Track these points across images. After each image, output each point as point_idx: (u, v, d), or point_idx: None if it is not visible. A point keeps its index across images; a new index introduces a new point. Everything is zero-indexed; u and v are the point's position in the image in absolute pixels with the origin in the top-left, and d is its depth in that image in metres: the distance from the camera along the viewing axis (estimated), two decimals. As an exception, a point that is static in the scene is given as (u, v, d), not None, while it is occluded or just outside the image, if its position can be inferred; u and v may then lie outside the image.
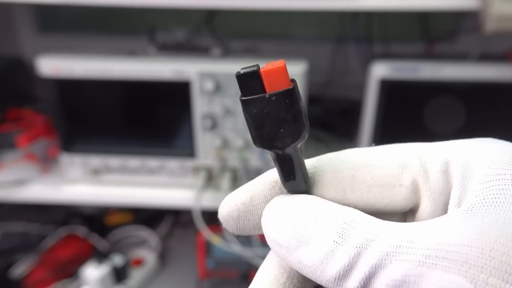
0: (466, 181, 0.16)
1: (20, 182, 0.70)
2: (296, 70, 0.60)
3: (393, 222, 0.15)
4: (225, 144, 0.65)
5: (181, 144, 0.68)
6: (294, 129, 0.16)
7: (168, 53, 0.70)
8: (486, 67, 0.61)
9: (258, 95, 0.15)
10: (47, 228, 0.96)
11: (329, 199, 0.17)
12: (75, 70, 0.62)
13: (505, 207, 0.14)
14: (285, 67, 0.15)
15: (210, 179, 0.69)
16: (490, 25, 0.51)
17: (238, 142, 0.64)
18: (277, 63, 0.15)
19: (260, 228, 0.18)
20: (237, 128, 0.64)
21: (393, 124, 0.65)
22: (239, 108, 0.63)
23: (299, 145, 0.17)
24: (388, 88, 0.62)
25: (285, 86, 0.15)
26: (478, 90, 0.63)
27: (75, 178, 0.71)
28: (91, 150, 0.69)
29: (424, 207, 0.17)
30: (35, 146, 0.74)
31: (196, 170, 0.69)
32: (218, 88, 0.62)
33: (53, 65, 0.62)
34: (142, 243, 0.99)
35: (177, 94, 0.64)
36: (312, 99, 0.80)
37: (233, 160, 0.67)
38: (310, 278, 0.15)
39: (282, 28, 1.02)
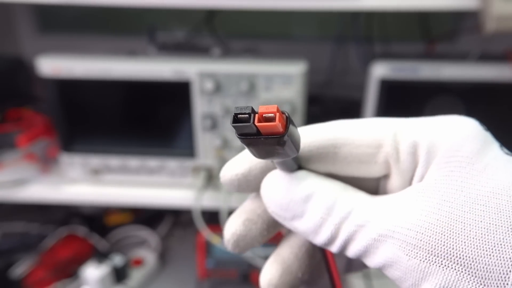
0: (428, 162, 0.18)
1: (20, 182, 0.70)
2: (296, 70, 0.60)
3: (366, 198, 0.19)
4: (225, 144, 0.65)
5: (181, 144, 0.68)
6: (285, 155, 0.17)
7: (168, 53, 0.70)
8: (486, 67, 0.61)
9: (253, 137, 0.16)
10: (47, 228, 0.96)
11: (313, 169, 0.20)
12: (75, 70, 0.62)
13: (447, 189, 0.17)
14: (280, 120, 0.16)
15: (210, 179, 0.69)
16: (490, 25, 0.51)
17: (238, 142, 0.64)
18: (271, 110, 0.16)
19: (258, 190, 0.21)
20: (237, 128, 0.64)
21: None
22: (239, 108, 0.63)
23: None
24: (388, 88, 0.62)
25: (277, 133, 0.16)
26: (478, 90, 0.63)
27: (75, 178, 0.71)
28: (91, 150, 0.69)
29: (394, 181, 0.20)
30: (35, 146, 0.74)
31: (196, 170, 0.69)
32: (218, 88, 0.62)
33: (53, 65, 0.62)
34: (142, 243, 0.99)
35: (177, 94, 0.64)
36: (312, 99, 0.80)
37: (233, 160, 0.67)
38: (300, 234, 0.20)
39: (282, 28, 1.02)
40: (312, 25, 1.03)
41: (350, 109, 0.91)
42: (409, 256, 0.16)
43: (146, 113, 0.67)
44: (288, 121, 0.16)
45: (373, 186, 0.21)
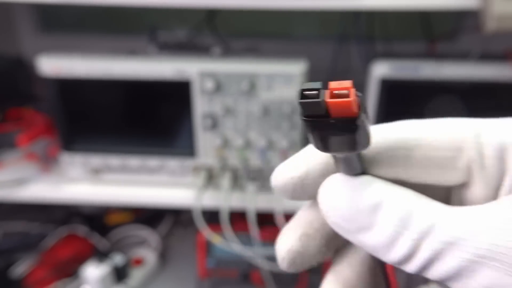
0: None
1: (21, 182, 0.70)
2: (296, 69, 0.60)
3: (449, 210, 0.15)
4: (226, 143, 0.65)
5: (182, 143, 0.67)
6: (354, 146, 0.15)
7: (168, 53, 0.70)
8: (487, 66, 0.61)
9: (321, 119, 0.14)
10: (48, 227, 0.96)
11: (382, 177, 0.17)
12: (75, 69, 0.62)
13: None
14: (355, 99, 0.14)
15: (211, 179, 0.69)
16: (491, 25, 0.51)
17: (238, 141, 0.64)
18: (345, 89, 0.14)
19: (315, 197, 0.18)
20: (238, 128, 0.64)
21: (393, 124, 0.65)
22: (239, 107, 0.63)
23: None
24: (389, 87, 0.62)
25: (350, 113, 0.14)
26: (479, 89, 0.63)
27: (76, 177, 0.71)
28: (91, 149, 0.69)
29: (475, 190, 0.17)
30: (36, 146, 0.74)
31: (196, 169, 0.68)
32: (218, 88, 0.62)
33: (53, 65, 0.62)
34: (142, 242, 0.99)
35: (177, 93, 0.64)
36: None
37: (234, 160, 0.67)
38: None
39: (283, 27, 1.02)
40: (313, 25, 1.03)
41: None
42: None
43: (146, 113, 0.67)
44: (362, 104, 0.14)
45: (443, 196, 0.18)
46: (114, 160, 0.69)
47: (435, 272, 0.15)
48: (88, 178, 0.71)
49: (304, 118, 0.14)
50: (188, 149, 0.67)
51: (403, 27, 0.97)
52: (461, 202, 0.18)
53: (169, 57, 0.65)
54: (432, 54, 0.74)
